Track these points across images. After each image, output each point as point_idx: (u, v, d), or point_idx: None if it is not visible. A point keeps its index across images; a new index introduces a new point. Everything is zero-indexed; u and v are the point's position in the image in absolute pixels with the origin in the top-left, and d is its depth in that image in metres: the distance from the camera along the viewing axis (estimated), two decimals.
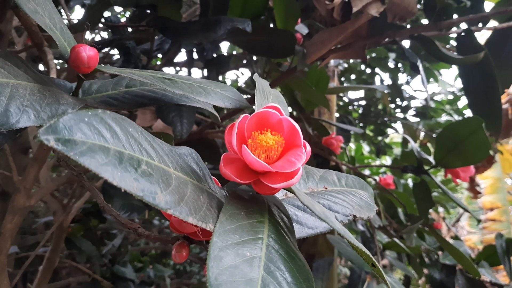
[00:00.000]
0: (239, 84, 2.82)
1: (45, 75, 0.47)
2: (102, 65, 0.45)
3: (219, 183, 0.41)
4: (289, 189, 0.36)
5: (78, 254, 2.09)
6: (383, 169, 3.50)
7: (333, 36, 0.90)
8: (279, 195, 0.44)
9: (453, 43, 1.52)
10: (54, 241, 1.43)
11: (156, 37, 1.09)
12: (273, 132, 0.35)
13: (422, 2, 0.97)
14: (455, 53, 1.07)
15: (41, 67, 1.79)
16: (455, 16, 0.99)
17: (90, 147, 0.25)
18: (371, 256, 0.29)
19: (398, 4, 0.86)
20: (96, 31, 1.78)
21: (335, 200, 0.46)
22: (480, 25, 0.99)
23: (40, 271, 1.44)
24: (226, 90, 0.51)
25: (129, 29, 1.14)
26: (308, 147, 0.35)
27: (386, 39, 0.96)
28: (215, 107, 0.55)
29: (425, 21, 1.69)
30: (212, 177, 0.39)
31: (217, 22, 0.90)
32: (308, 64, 0.94)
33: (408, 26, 1.22)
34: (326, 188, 0.49)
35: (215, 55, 1.39)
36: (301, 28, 1.16)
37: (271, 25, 1.19)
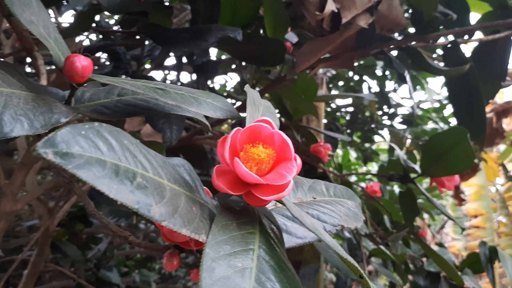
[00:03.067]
0: (227, 89, 2.83)
1: (38, 84, 0.47)
2: (96, 74, 0.45)
3: (210, 193, 0.41)
4: (280, 201, 0.37)
5: (63, 258, 2.07)
6: (369, 176, 3.53)
7: (322, 47, 0.91)
8: (269, 205, 0.45)
9: (439, 51, 1.55)
10: (39, 245, 1.42)
11: (146, 43, 1.10)
12: (264, 145, 0.36)
13: (409, 14, 0.99)
14: (441, 63, 1.09)
15: (26, 68, 1.78)
16: (441, 27, 1.02)
17: (87, 160, 0.26)
18: (359, 268, 0.30)
19: (386, 16, 0.87)
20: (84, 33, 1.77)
21: (324, 210, 0.47)
22: (466, 37, 1.02)
23: (24, 275, 1.42)
24: (217, 100, 0.51)
25: (118, 33, 1.14)
26: (299, 160, 0.35)
27: (374, 50, 0.98)
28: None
29: (411, 30, 1.71)
30: (204, 187, 0.39)
31: (208, 31, 0.90)
32: (297, 73, 0.95)
33: (396, 35, 1.25)
34: (315, 198, 0.50)
35: (204, 59, 1.39)
36: (291, 37, 1.17)
37: (261, 33, 1.20)
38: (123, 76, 1.37)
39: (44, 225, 1.36)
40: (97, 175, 0.26)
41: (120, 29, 1.08)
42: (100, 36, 1.09)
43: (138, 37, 1.06)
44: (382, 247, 1.29)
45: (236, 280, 0.29)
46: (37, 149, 0.24)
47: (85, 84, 0.47)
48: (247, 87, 0.49)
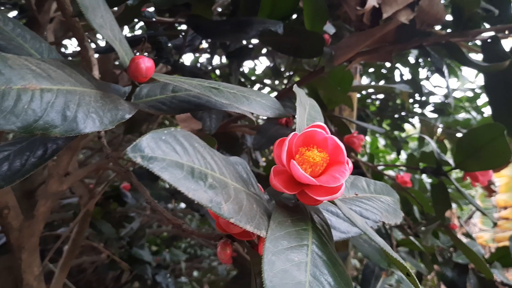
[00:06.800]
0: (256, 73, 2.84)
1: (103, 82, 0.51)
2: (157, 73, 0.49)
3: (262, 189, 0.44)
4: (332, 201, 0.40)
5: (93, 234, 2.16)
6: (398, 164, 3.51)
7: (361, 41, 0.92)
8: None
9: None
10: (80, 223, 1.49)
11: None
12: (318, 148, 0.38)
13: (450, 10, 0.99)
14: (478, 54, 1.09)
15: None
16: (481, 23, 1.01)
17: (168, 163, 0.29)
18: (407, 266, 0.33)
19: (427, 12, 0.88)
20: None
21: (366, 206, 0.50)
22: (506, 32, 1.01)
23: (65, 251, 1.50)
24: (266, 99, 0.54)
25: (161, 24, 1.17)
26: (351, 164, 0.38)
27: (413, 45, 0.98)
28: None
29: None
30: (258, 184, 0.42)
31: (249, 23, 0.92)
32: (335, 66, 0.96)
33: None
34: (357, 194, 0.53)
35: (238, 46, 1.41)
36: (328, 28, 1.18)
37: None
38: (161, 65, 1.41)
39: (86, 205, 1.42)
40: (178, 177, 0.29)
41: (164, 20, 1.11)
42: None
43: (180, 27, 1.09)
44: (411, 238, 1.31)
45: (294, 273, 0.32)
46: (128, 153, 0.28)
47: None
48: (295, 88, 0.52)
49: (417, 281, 0.33)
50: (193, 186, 0.30)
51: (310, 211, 0.41)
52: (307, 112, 0.52)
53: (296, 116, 0.47)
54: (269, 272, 0.31)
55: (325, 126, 0.39)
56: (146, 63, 0.46)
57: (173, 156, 0.30)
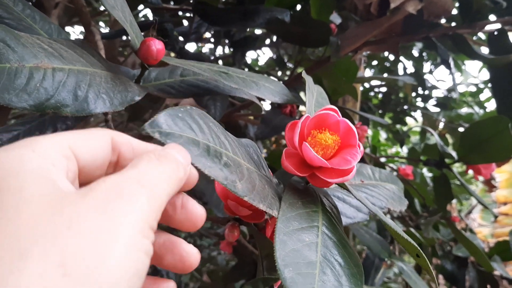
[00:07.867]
0: (259, 64, 2.83)
1: (112, 63, 0.51)
2: (166, 56, 0.49)
3: (271, 172, 0.45)
4: (342, 184, 0.40)
5: None
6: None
7: (368, 31, 0.92)
8: None
9: (480, 34, 1.52)
10: None
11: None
12: (330, 131, 0.39)
13: (458, 1, 0.98)
14: (482, 47, 1.09)
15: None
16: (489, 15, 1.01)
17: (185, 140, 0.29)
18: (417, 247, 0.33)
19: (436, 3, 0.87)
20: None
21: (371, 193, 0.50)
22: None
23: None
24: (275, 85, 0.54)
25: (167, 10, 1.17)
26: (362, 147, 0.38)
27: (420, 36, 0.98)
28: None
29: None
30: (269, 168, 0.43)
31: (256, 12, 0.92)
32: (341, 56, 0.96)
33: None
34: (362, 181, 0.53)
35: (242, 35, 1.40)
36: (334, 18, 1.18)
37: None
38: (166, 52, 1.40)
39: None
40: (194, 154, 0.29)
41: (170, 7, 1.11)
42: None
43: (187, 14, 1.09)
44: (412, 229, 1.31)
45: (305, 253, 0.32)
46: (146, 129, 0.28)
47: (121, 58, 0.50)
48: (304, 74, 0.52)
49: (427, 261, 0.34)
50: (209, 163, 0.30)
51: (319, 194, 0.41)
52: (315, 99, 0.52)
53: (306, 101, 0.47)
54: (281, 252, 0.31)
55: (337, 109, 0.39)
56: (157, 45, 0.46)
57: (189, 133, 0.30)
